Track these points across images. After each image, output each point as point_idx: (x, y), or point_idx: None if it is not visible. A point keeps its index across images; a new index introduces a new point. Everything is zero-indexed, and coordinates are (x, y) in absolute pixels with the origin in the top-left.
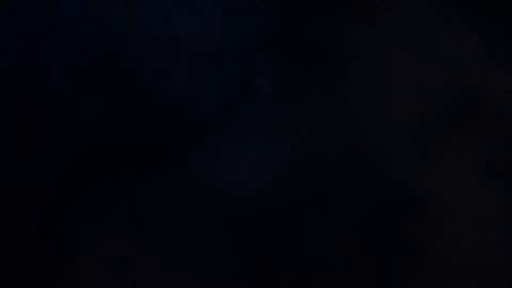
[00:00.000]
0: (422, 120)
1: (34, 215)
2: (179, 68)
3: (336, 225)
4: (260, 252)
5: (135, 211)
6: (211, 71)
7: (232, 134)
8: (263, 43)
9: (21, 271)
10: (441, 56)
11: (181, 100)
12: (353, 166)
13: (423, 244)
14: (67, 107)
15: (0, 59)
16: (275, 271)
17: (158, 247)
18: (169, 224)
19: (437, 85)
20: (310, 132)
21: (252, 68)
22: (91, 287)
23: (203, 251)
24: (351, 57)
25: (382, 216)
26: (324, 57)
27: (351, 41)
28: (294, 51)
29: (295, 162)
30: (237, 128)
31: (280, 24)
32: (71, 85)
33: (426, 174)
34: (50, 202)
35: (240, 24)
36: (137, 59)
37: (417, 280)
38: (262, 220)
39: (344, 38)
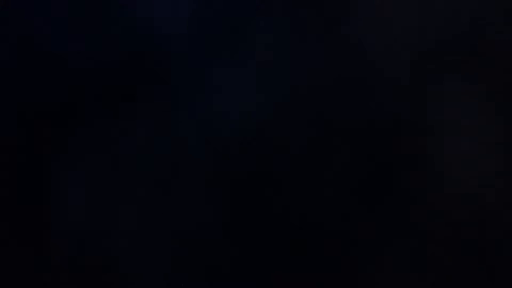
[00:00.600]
0: (422, 59)
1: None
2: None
3: (335, 174)
4: (253, 199)
5: (117, 145)
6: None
7: (225, 65)
8: None
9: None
10: None
11: (165, 32)
12: (353, 109)
13: (422, 190)
14: (35, 41)
15: None
16: (268, 215)
17: (141, 188)
18: (152, 160)
19: (439, 24)
20: (309, 66)
21: (251, 10)
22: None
23: (189, 193)
24: None
25: (381, 162)
26: None
27: None
28: None
29: (290, 105)
30: (231, 60)
31: None
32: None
33: (426, 116)
34: (22, 143)
35: None
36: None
37: (417, 228)
38: (258, 165)
39: None
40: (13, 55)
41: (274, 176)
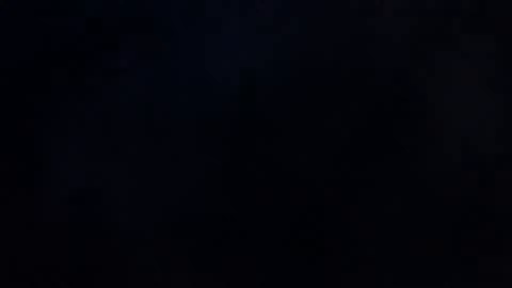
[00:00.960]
0: (424, 23)
1: None
2: None
3: (334, 132)
4: (249, 149)
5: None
6: None
7: (218, 21)
8: None
9: None
10: None
11: None
12: (350, 65)
13: (422, 146)
14: None
15: None
16: (263, 179)
17: (132, 140)
18: (144, 110)
19: None
20: (306, 23)
21: None
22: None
23: (182, 144)
24: None
25: (380, 119)
26: None
27: None
28: None
29: (287, 58)
30: (224, 16)
31: None
32: None
33: (426, 75)
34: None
35: None
36: None
37: (417, 182)
38: (250, 117)
39: None
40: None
41: (271, 127)
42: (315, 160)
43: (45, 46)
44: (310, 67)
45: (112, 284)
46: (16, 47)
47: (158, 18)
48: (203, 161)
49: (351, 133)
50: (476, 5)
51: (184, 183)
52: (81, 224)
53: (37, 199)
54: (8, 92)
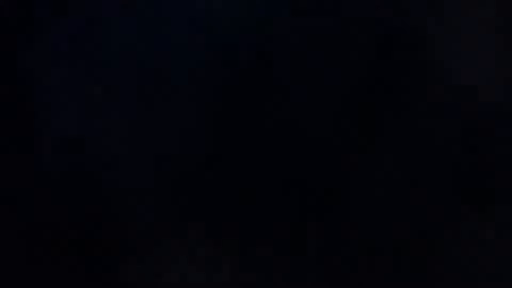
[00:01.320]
0: None
1: None
2: None
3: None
4: (245, 107)
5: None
6: None
7: None
8: None
9: None
10: None
11: None
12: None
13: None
14: None
15: None
16: (262, 126)
17: (124, 101)
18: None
19: None
20: None
21: None
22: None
23: (175, 102)
24: None
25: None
26: None
27: None
28: None
29: None
30: None
31: None
32: None
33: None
34: None
35: None
36: None
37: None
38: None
39: None
40: None
41: (270, 86)
42: (315, 111)
43: None
44: (309, 15)
45: (110, 236)
46: None
47: None
48: (194, 112)
49: (351, 88)
50: None
51: (174, 143)
52: (76, 174)
53: (37, 148)
54: None
